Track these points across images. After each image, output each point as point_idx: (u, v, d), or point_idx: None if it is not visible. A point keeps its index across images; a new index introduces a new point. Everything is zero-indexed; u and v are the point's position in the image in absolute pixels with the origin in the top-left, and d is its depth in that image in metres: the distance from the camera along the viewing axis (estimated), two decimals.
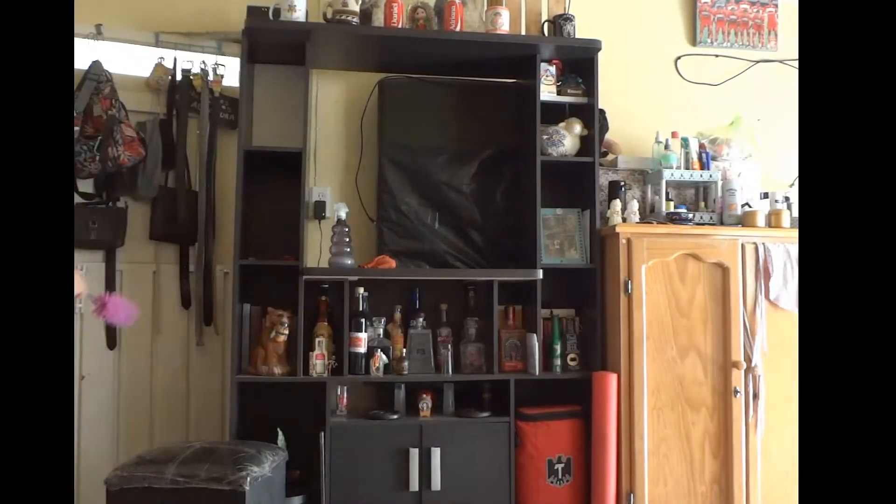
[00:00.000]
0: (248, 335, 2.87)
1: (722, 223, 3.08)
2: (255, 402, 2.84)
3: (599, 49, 3.06)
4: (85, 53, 2.93)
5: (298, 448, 2.74)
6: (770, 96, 3.59)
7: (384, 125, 3.14)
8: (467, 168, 3.15)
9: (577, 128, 3.08)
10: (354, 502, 2.73)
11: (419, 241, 3.11)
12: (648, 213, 3.15)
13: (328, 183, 3.20)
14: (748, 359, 2.91)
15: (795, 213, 3.08)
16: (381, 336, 2.97)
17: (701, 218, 3.09)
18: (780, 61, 3.64)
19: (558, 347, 3.03)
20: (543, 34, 3.13)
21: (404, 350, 2.92)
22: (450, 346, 2.96)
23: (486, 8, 3.06)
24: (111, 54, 3.01)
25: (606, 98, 3.15)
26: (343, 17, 2.88)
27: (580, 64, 3.11)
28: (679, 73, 3.57)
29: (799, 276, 2.69)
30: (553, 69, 3.09)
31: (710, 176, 3.12)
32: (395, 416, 2.83)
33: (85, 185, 2.95)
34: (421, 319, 3.02)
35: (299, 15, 2.85)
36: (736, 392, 2.88)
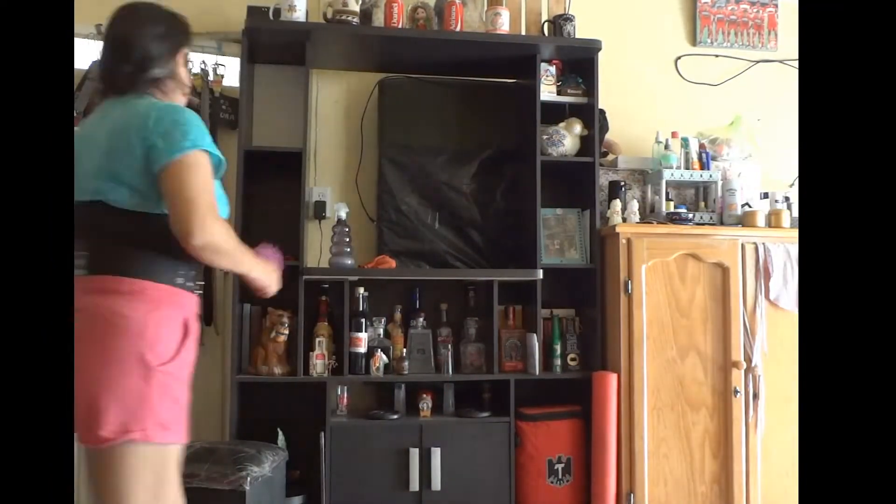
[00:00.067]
0: (248, 335, 2.87)
1: (722, 223, 3.08)
2: (255, 402, 2.84)
3: (599, 49, 3.06)
4: (85, 53, 2.93)
5: (298, 448, 2.74)
6: (770, 96, 3.59)
7: (384, 125, 3.14)
8: (467, 168, 3.15)
9: (577, 128, 3.08)
10: (354, 502, 2.73)
11: (419, 241, 3.11)
12: (648, 213, 3.15)
13: (328, 183, 3.20)
14: (748, 359, 2.91)
15: (795, 213, 3.08)
16: (382, 336, 2.97)
17: (701, 218, 3.09)
18: (780, 61, 3.64)
19: (558, 347, 3.03)
20: (543, 34, 3.13)
21: (404, 350, 2.92)
22: (450, 346, 2.96)
23: (486, 8, 3.06)
24: None
25: (606, 98, 3.15)
26: (343, 17, 2.88)
27: (580, 64, 3.11)
28: (679, 73, 3.57)
29: (799, 276, 2.70)
30: (553, 69, 3.09)
31: (710, 176, 3.12)
32: (396, 416, 2.84)
33: None
34: (421, 319, 3.02)
35: (299, 15, 2.85)
36: (736, 392, 2.88)
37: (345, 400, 2.90)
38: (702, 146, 3.20)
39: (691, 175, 3.10)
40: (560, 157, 3.04)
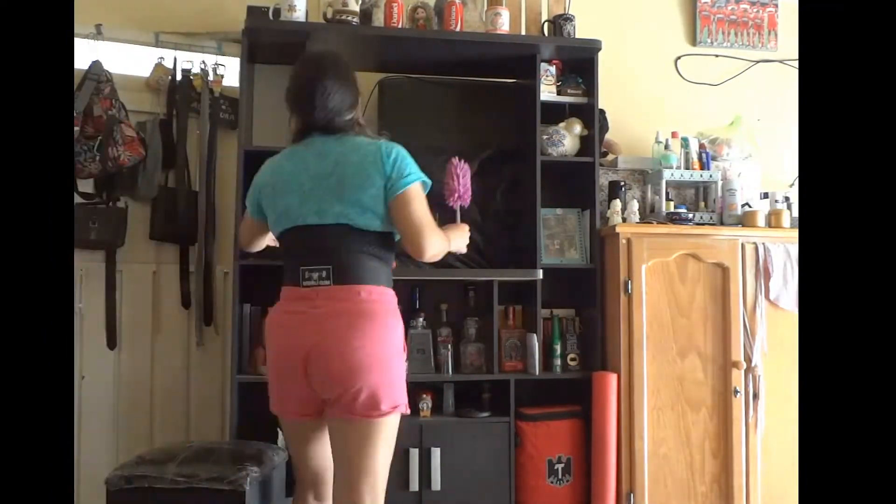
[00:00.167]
0: (249, 335, 2.86)
1: (722, 223, 3.08)
2: (255, 402, 2.82)
3: (599, 49, 3.06)
4: (85, 53, 2.93)
5: None
6: (770, 96, 3.59)
7: (384, 125, 3.14)
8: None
9: (577, 128, 3.08)
10: None
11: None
12: (648, 213, 3.15)
13: None
14: (748, 359, 2.91)
15: (795, 213, 3.08)
16: None
17: (701, 218, 3.09)
18: (780, 61, 3.64)
19: (558, 347, 3.03)
20: (543, 34, 3.13)
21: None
22: (450, 346, 2.96)
23: (486, 8, 3.06)
24: (111, 54, 3.01)
25: (606, 98, 3.14)
26: (343, 17, 2.87)
27: (580, 64, 3.11)
28: (679, 73, 3.57)
29: (799, 276, 2.70)
30: (553, 69, 3.09)
31: (710, 176, 3.12)
32: None
33: (85, 185, 2.95)
34: (421, 319, 3.02)
35: (299, 15, 2.85)
36: (736, 392, 2.88)
37: None
38: (702, 146, 3.20)
39: (691, 175, 3.10)
40: (560, 157, 3.04)
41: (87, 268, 2.95)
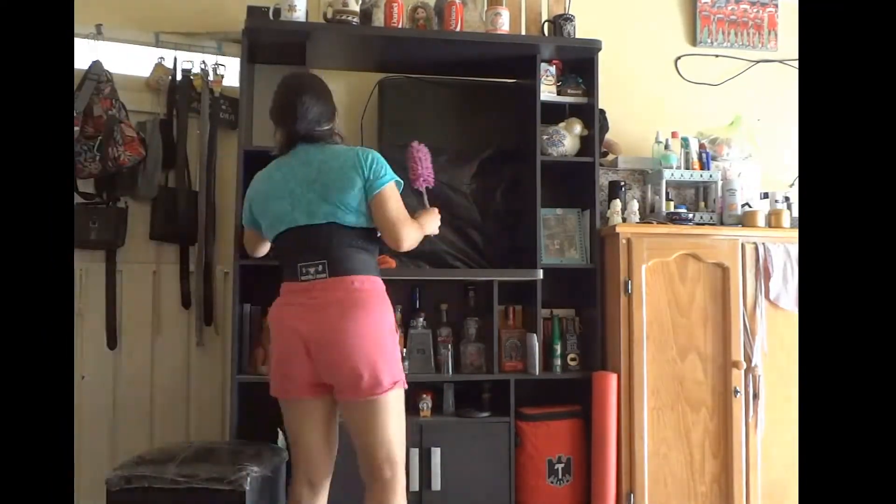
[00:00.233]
0: (249, 335, 2.86)
1: (722, 223, 3.08)
2: (255, 402, 2.83)
3: (599, 49, 3.06)
4: (85, 53, 2.93)
5: None
6: (770, 96, 3.59)
7: (384, 125, 3.14)
8: (467, 168, 3.15)
9: (577, 128, 3.08)
10: (354, 502, 2.73)
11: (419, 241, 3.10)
12: (648, 213, 3.15)
13: None
14: (748, 359, 2.91)
15: (795, 213, 3.08)
16: None
17: (701, 218, 3.09)
18: (780, 61, 3.64)
19: (558, 347, 3.03)
20: (543, 34, 3.13)
21: (404, 350, 2.92)
22: (450, 346, 2.96)
23: (486, 8, 3.06)
24: (111, 54, 3.01)
25: (606, 98, 3.14)
26: (343, 17, 2.87)
27: (580, 64, 3.11)
28: (679, 73, 3.57)
29: (799, 276, 2.70)
30: (553, 69, 3.09)
31: (710, 176, 3.12)
32: None
33: (85, 185, 2.95)
34: (421, 319, 3.02)
35: (299, 15, 2.85)
36: (736, 392, 2.88)
37: None
38: (702, 146, 3.20)
39: (691, 175, 3.10)
40: (560, 157, 3.04)
41: (87, 268, 2.96)
